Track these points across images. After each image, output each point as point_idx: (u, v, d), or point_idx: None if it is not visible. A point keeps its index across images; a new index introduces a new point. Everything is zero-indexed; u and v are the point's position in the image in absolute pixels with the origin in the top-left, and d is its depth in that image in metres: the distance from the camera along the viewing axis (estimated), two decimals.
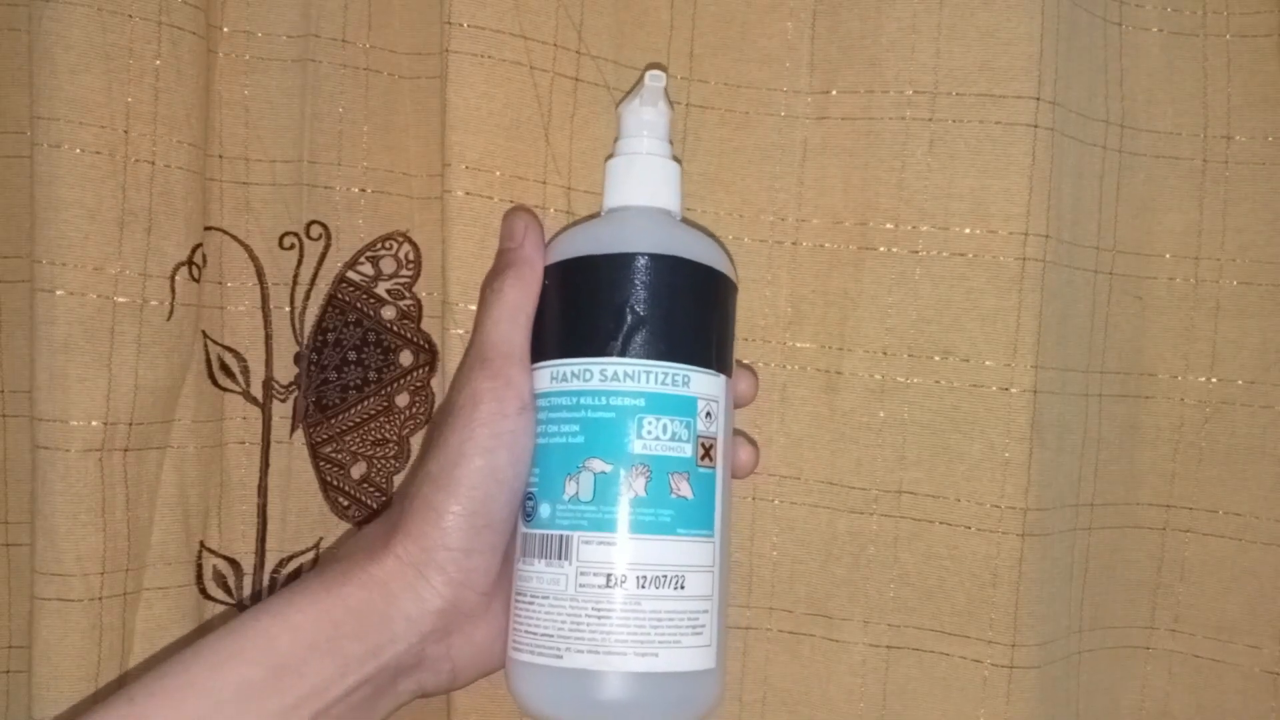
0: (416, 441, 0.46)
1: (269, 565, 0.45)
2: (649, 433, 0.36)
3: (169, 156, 0.40)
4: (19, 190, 0.45)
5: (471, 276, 0.40)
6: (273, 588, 0.45)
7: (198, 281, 0.42)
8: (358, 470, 0.45)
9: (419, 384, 0.46)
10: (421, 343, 0.46)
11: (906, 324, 0.42)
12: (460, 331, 0.40)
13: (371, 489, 0.45)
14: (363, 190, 0.45)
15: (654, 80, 0.38)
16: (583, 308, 0.37)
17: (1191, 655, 0.45)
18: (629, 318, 0.36)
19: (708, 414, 0.37)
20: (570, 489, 0.36)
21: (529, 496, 0.37)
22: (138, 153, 0.40)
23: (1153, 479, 0.45)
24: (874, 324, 0.42)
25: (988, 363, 0.41)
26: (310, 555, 0.45)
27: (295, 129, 0.44)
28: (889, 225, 0.42)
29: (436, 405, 0.45)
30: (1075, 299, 0.43)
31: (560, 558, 0.35)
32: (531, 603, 0.36)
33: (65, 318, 0.39)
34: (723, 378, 0.38)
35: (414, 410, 0.46)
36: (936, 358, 0.42)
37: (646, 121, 0.39)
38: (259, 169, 0.44)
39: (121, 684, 0.41)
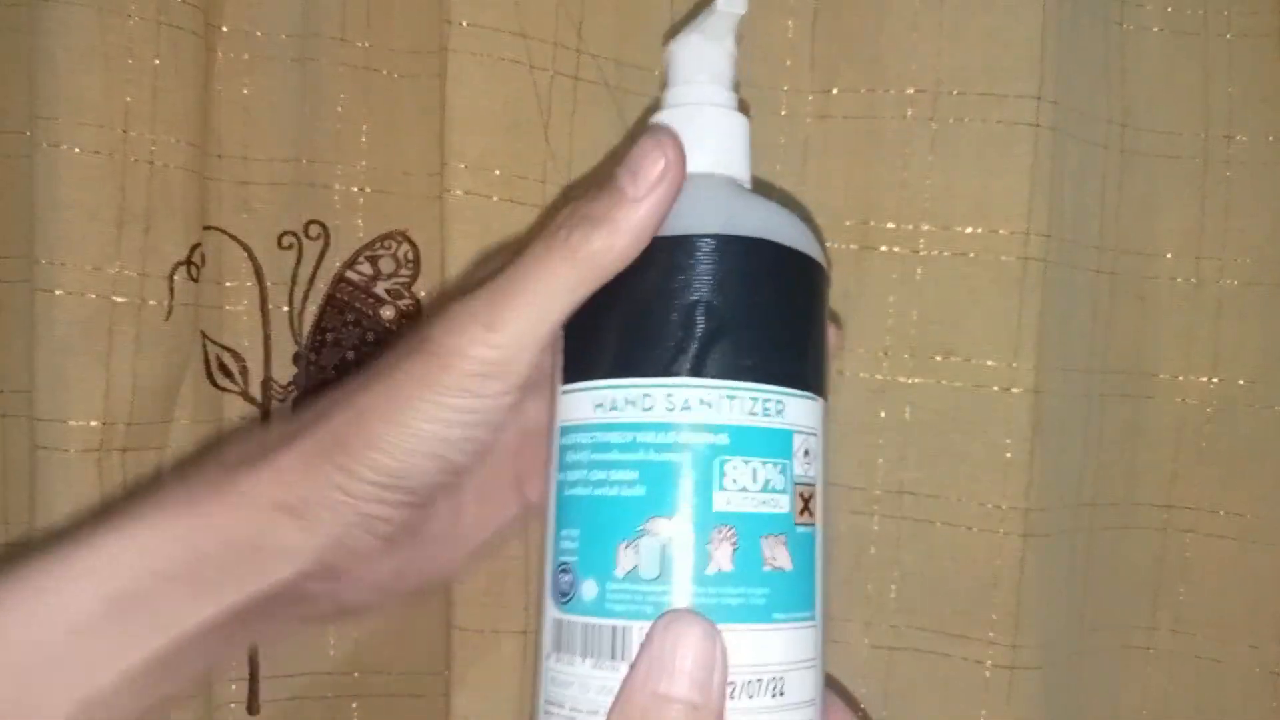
0: None
1: None
2: (734, 482, 0.27)
3: (168, 156, 0.40)
4: (19, 190, 0.45)
5: None
6: None
7: (196, 281, 0.42)
8: None
9: None
10: None
11: (908, 324, 0.42)
12: None
13: None
14: (362, 189, 0.45)
15: (728, 4, 0.29)
16: (639, 310, 0.28)
17: (1192, 656, 0.45)
18: (702, 324, 0.27)
19: (806, 452, 0.28)
20: (626, 560, 0.27)
21: (563, 568, 0.28)
22: (137, 152, 0.40)
23: (1154, 479, 0.45)
24: (875, 324, 0.42)
25: (989, 362, 0.41)
26: None
27: (294, 128, 0.44)
28: (890, 224, 0.42)
29: None
30: (1077, 298, 0.43)
31: (614, 656, 0.26)
32: (572, 718, 0.27)
33: (64, 317, 0.39)
34: (820, 402, 0.29)
35: None
36: (938, 357, 0.42)
37: (708, 62, 0.30)
38: (258, 168, 0.44)
39: None
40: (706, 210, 0.28)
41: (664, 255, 0.28)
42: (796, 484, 0.28)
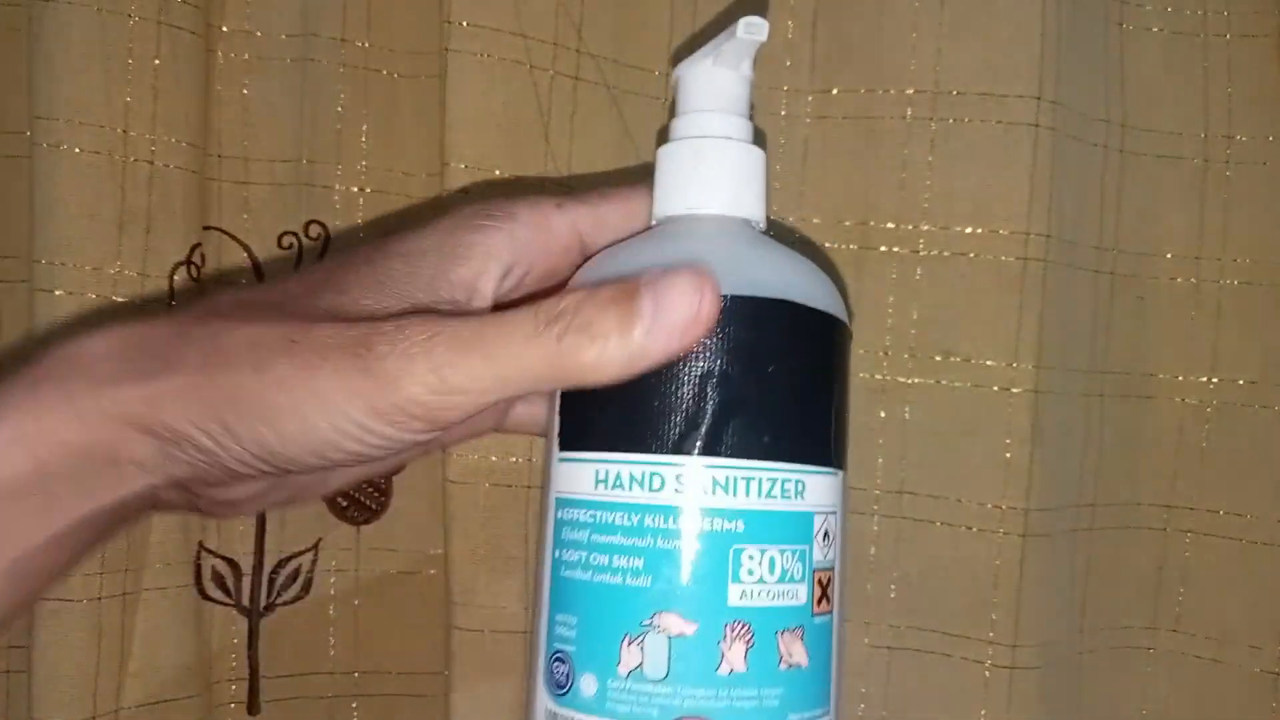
0: None
1: (267, 566, 0.45)
2: (750, 574, 0.25)
3: (168, 156, 0.40)
4: (19, 190, 0.45)
5: None
6: (271, 588, 0.45)
7: (197, 281, 0.42)
8: None
9: None
10: None
11: (907, 324, 0.42)
12: None
13: (370, 488, 0.45)
14: (362, 190, 0.45)
15: (750, 31, 0.26)
16: (645, 378, 0.25)
17: (1193, 656, 0.45)
18: (715, 396, 0.25)
19: (826, 534, 0.26)
20: (630, 658, 0.25)
21: (558, 656, 0.26)
22: (136, 153, 0.40)
23: (1154, 479, 0.45)
24: (875, 324, 0.42)
25: (989, 363, 0.41)
26: (309, 555, 0.45)
27: (294, 129, 0.44)
28: (890, 225, 0.42)
29: None
30: (1077, 299, 0.43)
31: None
32: None
33: (64, 318, 0.38)
34: (840, 475, 0.27)
35: None
36: (938, 358, 0.42)
37: (722, 90, 0.28)
38: (258, 169, 0.44)
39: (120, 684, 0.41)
40: (720, 265, 0.25)
41: None
42: (815, 570, 0.26)
